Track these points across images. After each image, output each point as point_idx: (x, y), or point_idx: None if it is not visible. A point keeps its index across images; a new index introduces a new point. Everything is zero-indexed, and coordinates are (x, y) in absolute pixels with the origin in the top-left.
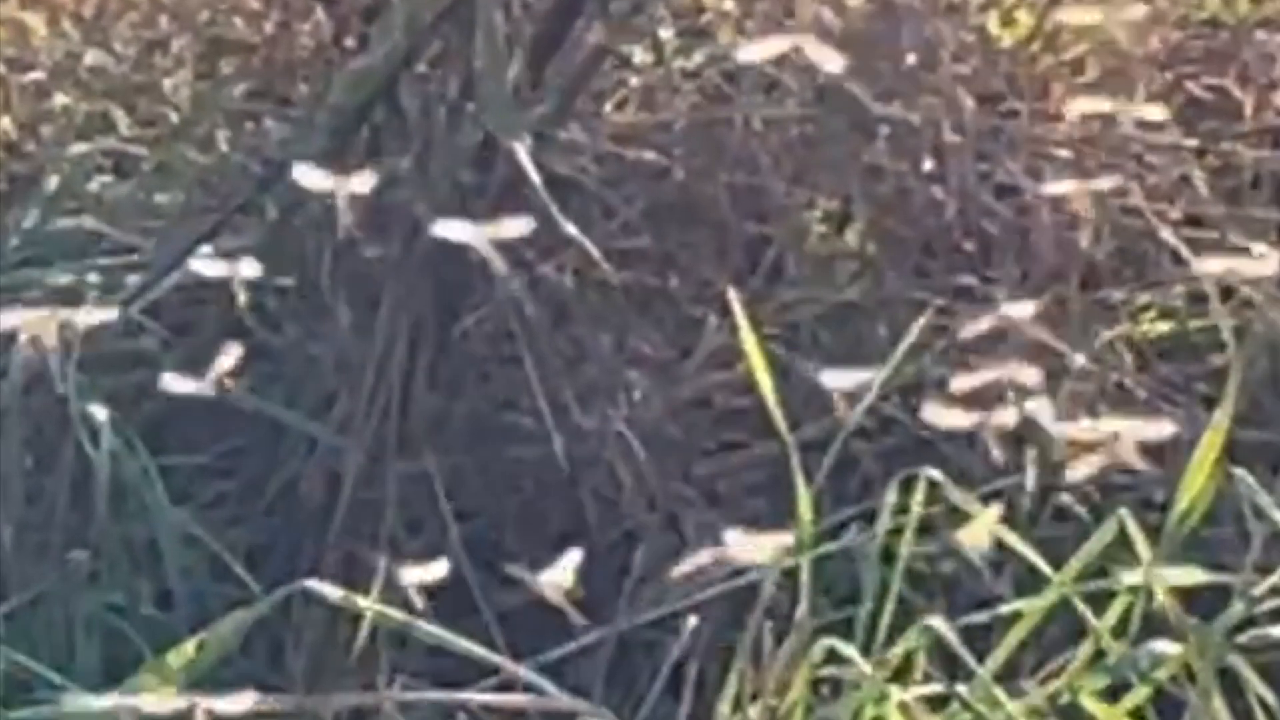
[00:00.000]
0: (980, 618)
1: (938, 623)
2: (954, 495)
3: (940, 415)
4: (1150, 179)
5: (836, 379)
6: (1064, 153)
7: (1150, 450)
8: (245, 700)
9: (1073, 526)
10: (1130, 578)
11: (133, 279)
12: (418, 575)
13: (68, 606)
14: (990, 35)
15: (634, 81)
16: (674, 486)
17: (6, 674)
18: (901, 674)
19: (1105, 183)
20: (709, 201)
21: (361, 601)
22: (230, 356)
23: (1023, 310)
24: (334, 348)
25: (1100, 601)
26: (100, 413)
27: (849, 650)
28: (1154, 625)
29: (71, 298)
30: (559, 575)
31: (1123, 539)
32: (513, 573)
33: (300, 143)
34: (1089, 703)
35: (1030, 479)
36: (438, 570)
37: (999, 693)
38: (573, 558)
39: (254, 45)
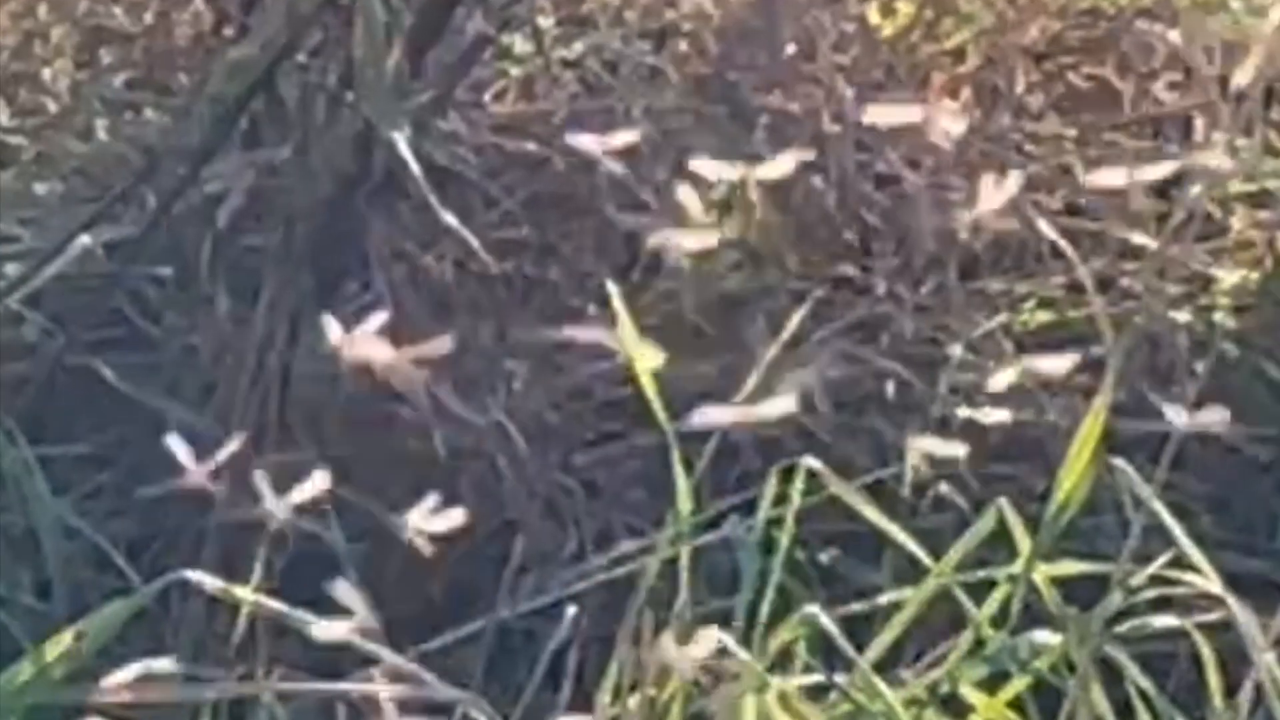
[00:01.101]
0: (860, 608)
1: (817, 612)
2: (833, 485)
3: None
4: (1029, 169)
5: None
6: (944, 143)
7: (1027, 441)
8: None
9: (952, 516)
10: (1009, 568)
11: (12, 269)
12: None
13: None
14: (870, 24)
15: (514, 71)
16: (554, 477)
17: None
18: (781, 664)
19: None
20: (589, 192)
21: (240, 592)
22: None
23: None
24: (213, 337)
25: (980, 591)
26: None
27: (729, 640)
28: (1033, 615)
29: None
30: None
31: (1002, 529)
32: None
33: (179, 132)
34: (968, 693)
35: (909, 468)
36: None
37: (878, 682)
38: None
39: (133, 35)
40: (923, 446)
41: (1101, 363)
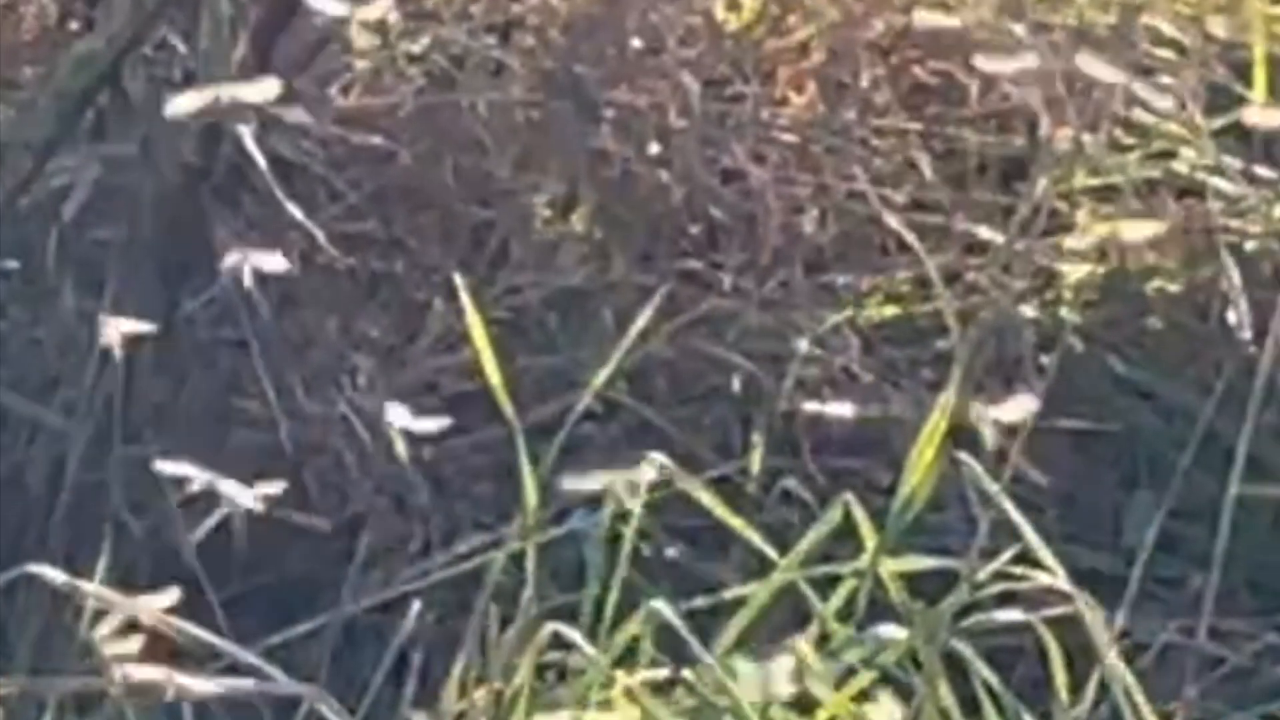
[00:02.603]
0: (705, 602)
1: (663, 607)
2: (679, 479)
3: None
4: (875, 163)
5: None
6: (789, 137)
7: (873, 435)
8: None
9: (798, 511)
10: (855, 563)
11: None
12: None
13: None
14: (716, 19)
15: (359, 65)
16: (400, 471)
17: None
18: (627, 658)
19: None
20: (435, 186)
21: (86, 585)
22: None
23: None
24: (58, 331)
25: (826, 586)
26: None
27: (574, 635)
28: (879, 610)
29: None
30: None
31: (848, 523)
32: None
33: (25, 126)
34: (814, 687)
35: (756, 463)
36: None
37: (725, 677)
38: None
39: None
40: None
41: (948, 357)
